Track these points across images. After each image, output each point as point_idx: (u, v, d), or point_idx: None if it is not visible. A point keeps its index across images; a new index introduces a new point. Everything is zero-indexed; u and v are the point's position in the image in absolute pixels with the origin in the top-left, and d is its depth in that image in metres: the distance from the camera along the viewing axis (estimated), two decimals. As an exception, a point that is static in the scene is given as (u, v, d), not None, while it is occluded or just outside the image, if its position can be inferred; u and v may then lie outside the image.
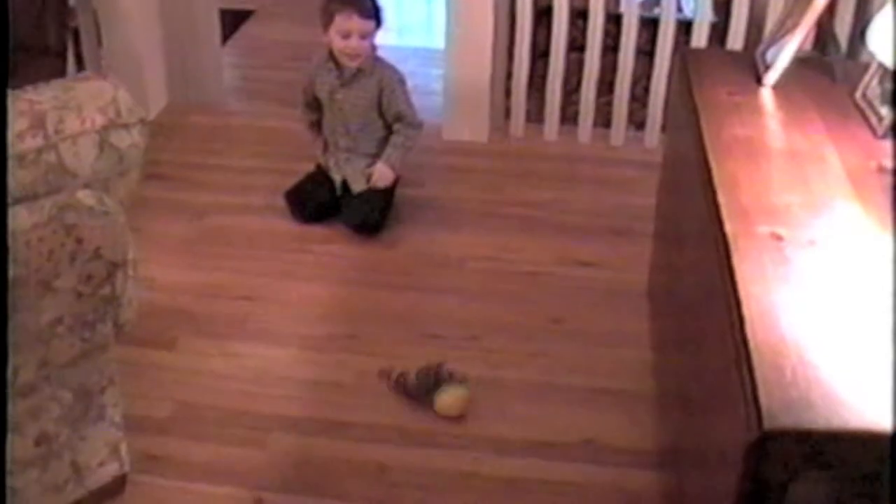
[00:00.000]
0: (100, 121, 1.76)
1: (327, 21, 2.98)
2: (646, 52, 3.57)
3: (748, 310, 1.43)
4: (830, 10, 2.17)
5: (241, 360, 2.57)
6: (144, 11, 3.69)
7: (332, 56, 3.06)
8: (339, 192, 3.16)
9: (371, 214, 3.08)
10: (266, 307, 2.78)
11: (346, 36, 2.97)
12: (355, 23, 2.96)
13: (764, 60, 2.14)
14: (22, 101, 1.70)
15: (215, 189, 3.35)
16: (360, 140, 3.14)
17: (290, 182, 3.22)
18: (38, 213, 1.60)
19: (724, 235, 1.58)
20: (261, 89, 4.22)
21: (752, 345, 1.36)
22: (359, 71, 3.05)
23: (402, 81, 3.12)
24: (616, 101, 3.61)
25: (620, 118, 3.63)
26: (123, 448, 2.06)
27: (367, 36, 2.98)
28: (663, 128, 3.62)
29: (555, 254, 3.05)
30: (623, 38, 3.50)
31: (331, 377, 2.52)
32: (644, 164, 3.55)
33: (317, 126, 3.22)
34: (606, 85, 3.62)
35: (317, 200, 3.15)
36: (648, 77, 3.58)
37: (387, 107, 3.10)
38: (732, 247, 1.55)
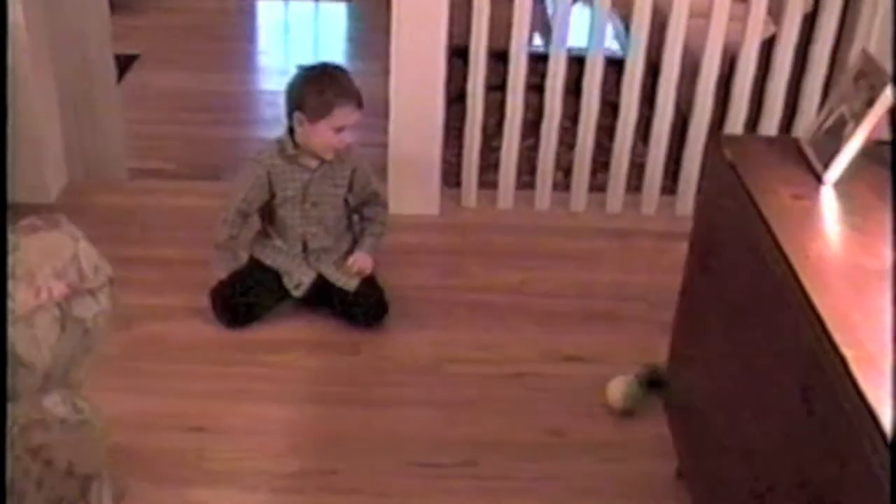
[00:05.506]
0: (59, 290, 1.37)
1: (320, 114, 2.60)
2: (609, 104, 3.30)
3: None
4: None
5: (204, 513, 2.18)
6: (40, 82, 3.25)
7: (296, 147, 2.68)
8: (300, 293, 2.78)
9: (381, 302, 2.80)
10: (223, 439, 2.39)
11: (341, 130, 2.62)
12: (355, 116, 2.63)
13: (816, 152, 1.88)
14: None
15: (139, 289, 2.91)
16: (336, 233, 2.82)
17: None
18: (-4, 438, 1.20)
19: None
20: (160, 147, 3.87)
21: None
22: (335, 158, 2.70)
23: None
24: (576, 163, 3.32)
25: (581, 182, 3.35)
26: None
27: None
28: (627, 189, 3.37)
29: (536, 348, 2.75)
30: (584, 99, 3.22)
31: (316, 528, 2.16)
32: (610, 233, 3.30)
33: (237, 239, 2.82)
34: (566, 146, 3.34)
35: (255, 302, 2.78)
36: (611, 136, 3.31)
37: (360, 190, 2.80)
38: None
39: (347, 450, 2.38)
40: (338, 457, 2.35)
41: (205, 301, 2.80)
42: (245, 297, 2.77)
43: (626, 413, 2.50)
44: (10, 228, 1.42)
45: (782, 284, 1.58)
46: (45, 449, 1.24)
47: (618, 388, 2.52)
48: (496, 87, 3.33)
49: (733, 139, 2.48)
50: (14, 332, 1.30)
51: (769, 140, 2.67)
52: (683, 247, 3.29)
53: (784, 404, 1.58)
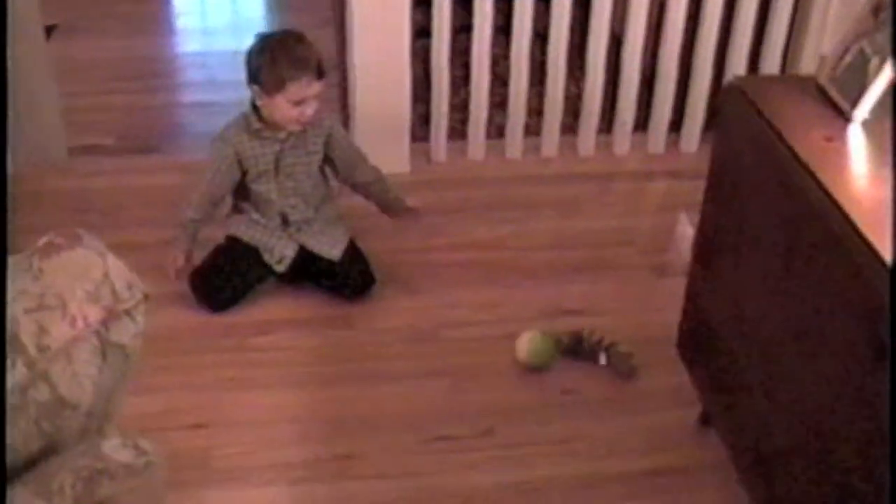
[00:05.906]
0: (95, 314, 1.24)
1: (274, 88, 2.45)
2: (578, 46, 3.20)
3: None
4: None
5: (222, 515, 2.08)
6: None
7: (261, 120, 2.54)
8: (283, 267, 2.65)
9: (366, 271, 2.69)
10: (228, 433, 2.28)
11: (301, 103, 2.47)
12: (314, 88, 2.48)
13: (839, 90, 1.82)
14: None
15: (110, 279, 2.77)
16: (315, 203, 2.68)
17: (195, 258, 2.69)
18: (57, 500, 1.08)
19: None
20: (94, 121, 3.66)
21: None
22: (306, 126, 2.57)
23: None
24: (547, 106, 3.22)
25: (552, 126, 3.26)
26: None
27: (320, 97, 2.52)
28: (598, 130, 3.30)
29: (534, 305, 2.68)
30: (552, 39, 3.12)
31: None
32: (585, 178, 3.23)
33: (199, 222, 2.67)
34: (534, 90, 3.23)
35: (237, 282, 2.65)
36: (581, 73, 3.21)
37: (342, 155, 2.68)
38: None
39: (358, 431, 2.29)
40: (350, 439, 2.26)
41: (183, 285, 2.67)
42: (226, 278, 2.64)
43: (535, 370, 2.43)
44: (27, 252, 1.29)
45: (836, 229, 1.53)
46: (111, 501, 1.13)
47: (525, 344, 2.43)
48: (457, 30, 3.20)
49: (752, 81, 2.41)
50: (53, 372, 1.18)
51: (786, 80, 2.61)
52: (660, 186, 3.28)
53: (846, 349, 1.53)
